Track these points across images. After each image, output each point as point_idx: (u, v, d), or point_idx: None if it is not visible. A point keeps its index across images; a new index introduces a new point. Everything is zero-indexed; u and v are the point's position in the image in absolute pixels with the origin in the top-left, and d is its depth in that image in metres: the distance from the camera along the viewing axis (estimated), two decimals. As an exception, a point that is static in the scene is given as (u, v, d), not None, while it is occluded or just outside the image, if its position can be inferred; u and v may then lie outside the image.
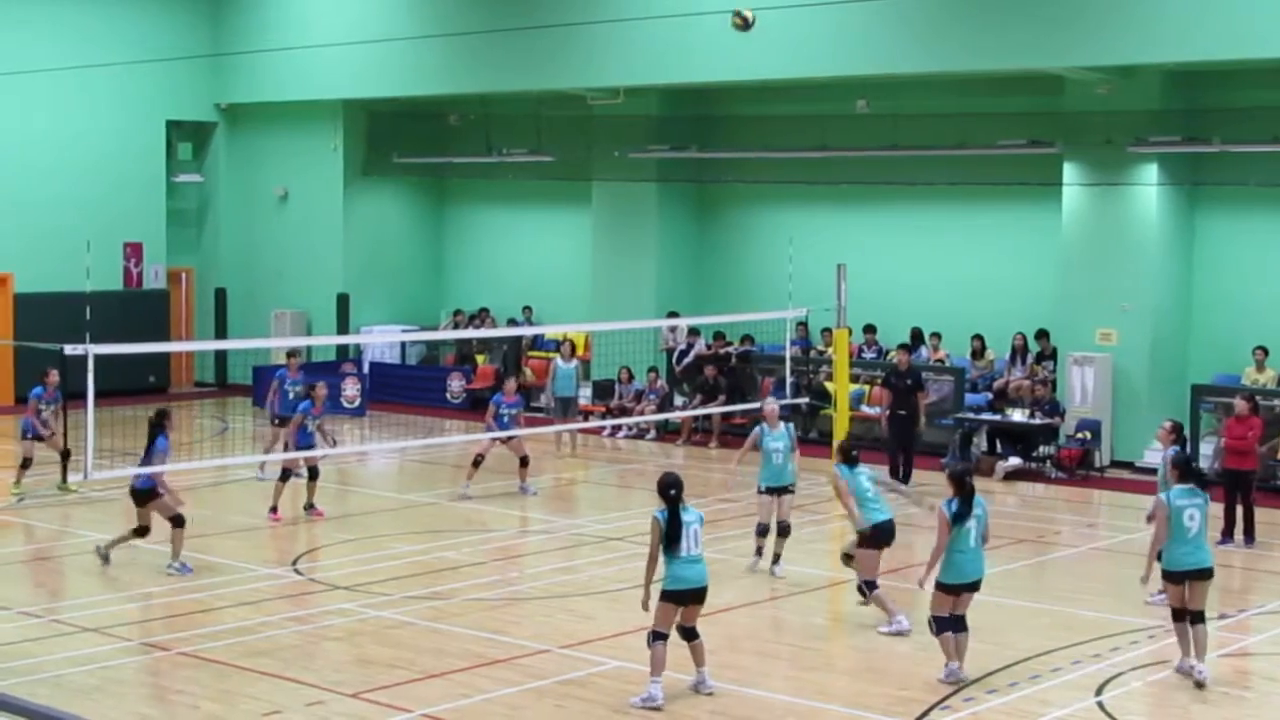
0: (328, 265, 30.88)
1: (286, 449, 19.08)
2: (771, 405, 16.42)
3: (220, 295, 32.22)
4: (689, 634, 11.98)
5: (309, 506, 18.97)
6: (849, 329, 21.51)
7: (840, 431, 20.05)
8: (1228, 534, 17.69)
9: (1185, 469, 13.02)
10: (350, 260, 30.87)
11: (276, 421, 21.15)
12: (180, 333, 31.99)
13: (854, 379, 23.17)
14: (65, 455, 20.34)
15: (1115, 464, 22.86)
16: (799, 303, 21.97)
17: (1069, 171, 23.27)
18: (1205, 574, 12.59)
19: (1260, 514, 18.16)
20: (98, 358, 15.03)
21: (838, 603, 15.11)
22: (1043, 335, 23.84)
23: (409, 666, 12.74)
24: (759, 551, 16.10)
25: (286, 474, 18.98)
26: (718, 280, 27.82)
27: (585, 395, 26.26)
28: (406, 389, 29.66)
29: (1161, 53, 21.14)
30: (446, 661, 12.86)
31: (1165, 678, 12.64)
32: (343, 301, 30.69)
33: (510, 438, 20.42)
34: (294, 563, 16.65)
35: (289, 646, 13.35)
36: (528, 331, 28.43)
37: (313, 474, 19.02)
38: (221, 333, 31.88)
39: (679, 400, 26.69)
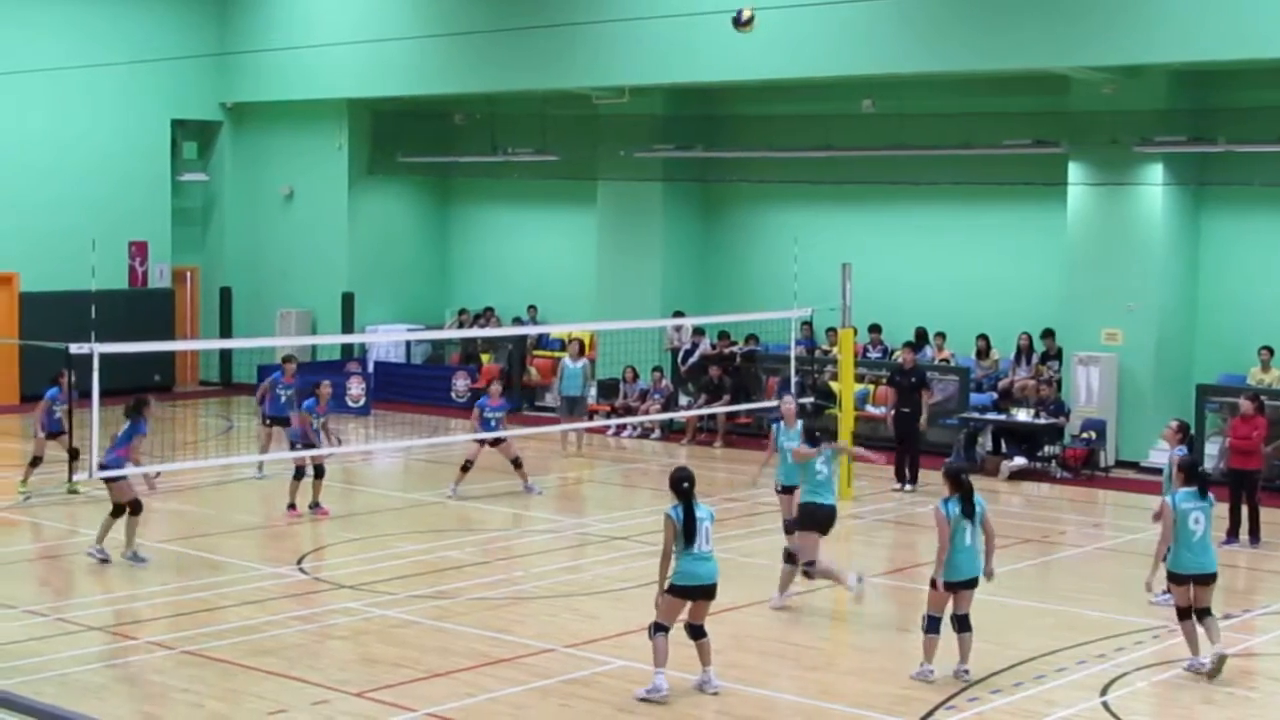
0: (333, 264, 30.89)
1: (294, 448, 19.09)
2: (789, 403, 16.42)
3: (225, 294, 32.23)
4: (696, 632, 11.93)
5: (314, 505, 19.01)
6: (854, 329, 21.49)
7: (845, 432, 20.04)
8: (1233, 534, 17.67)
9: (1190, 472, 12.98)
10: (355, 259, 30.89)
11: (267, 422, 21.18)
12: (185, 332, 32.00)
13: (859, 379, 23.16)
14: (74, 455, 20.33)
15: (1120, 464, 22.85)
16: (804, 302, 21.94)
17: (1074, 171, 23.26)
18: (1209, 579, 12.61)
19: (1265, 514, 18.14)
20: (103, 356, 15.06)
21: (843, 602, 15.10)
22: (1048, 335, 23.85)
23: (414, 665, 12.74)
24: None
25: (300, 472, 19.00)
26: (723, 280, 27.82)
27: (593, 395, 26.25)
28: (411, 388, 29.67)
29: (1167, 52, 21.14)
30: (451, 661, 12.85)
31: (1170, 678, 12.63)
32: (348, 300, 30.70)
33: (497, 440, 20.31)
34: (299, 561, 16.65)
35: (294, 645, 13.35)
36: (532, 331, 28.41)
37: (318, 472, 19.06)
38: (226, 332, 31.88)
39: (684, 400, 26.67)
